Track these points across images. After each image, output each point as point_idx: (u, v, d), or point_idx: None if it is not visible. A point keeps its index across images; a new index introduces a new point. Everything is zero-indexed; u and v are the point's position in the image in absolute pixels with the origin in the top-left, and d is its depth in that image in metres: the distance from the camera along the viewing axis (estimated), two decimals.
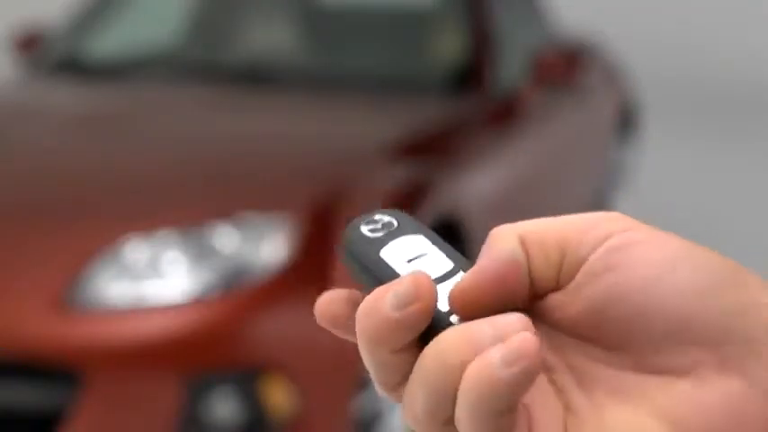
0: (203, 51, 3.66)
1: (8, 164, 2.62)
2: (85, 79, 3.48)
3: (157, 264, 2.30)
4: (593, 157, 4.50)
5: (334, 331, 0.40)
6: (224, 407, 2.27)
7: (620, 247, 0.35)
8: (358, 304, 0.39)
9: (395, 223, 0.39)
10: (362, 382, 2.44)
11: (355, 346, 2.39)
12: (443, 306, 0.36)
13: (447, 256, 0.38)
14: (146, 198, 2.43)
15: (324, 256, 2.37)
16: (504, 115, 3.43)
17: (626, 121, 5.21)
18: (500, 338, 0.33)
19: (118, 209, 2.40)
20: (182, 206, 2.41)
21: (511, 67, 3.73)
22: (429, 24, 3.61)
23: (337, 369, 2.34)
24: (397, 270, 0.38)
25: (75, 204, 2.41)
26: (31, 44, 3.89)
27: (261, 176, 2.54)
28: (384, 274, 0.37)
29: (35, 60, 3.78)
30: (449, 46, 3.55)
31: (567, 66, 3.72)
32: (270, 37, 3.70)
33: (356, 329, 0.36)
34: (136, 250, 2.31)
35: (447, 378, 0.34)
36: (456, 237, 2.84)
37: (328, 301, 0.40)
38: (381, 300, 0.35)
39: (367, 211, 2.49)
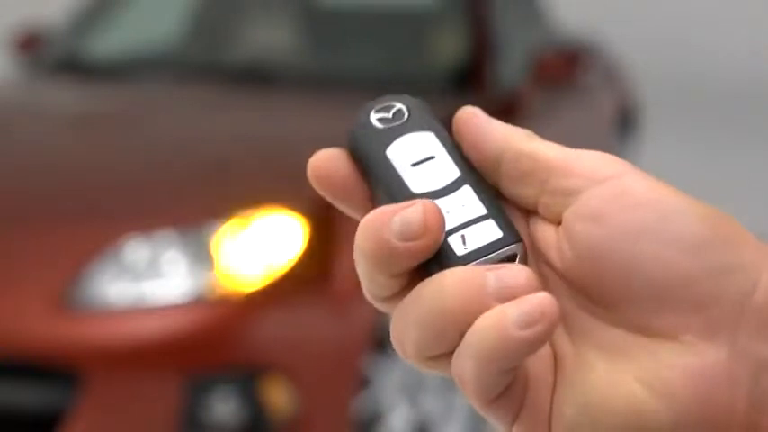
0: (204, 51, 3.66)
1: (8, 164, 2.62)
2: (86, 79, 3.47)
3: (157, 264, 2.30)
4: None
5: (324, 193, 0.38)
6: (224, 407, 2.27)
7: (616, 195, 0.34)
8: (354, 171, 0.38)
9: (405, 114, 0.38)
10: (362, 382, 2.44)
11: (356, 345, 2.39)
12: (450, 223, 0.36)
13: (454, 162, 0.37)
14: (146, 198, 2.43)
15: (324, 256, 2.37)
16: (505, 115, 3.43)
17: (626, 121, 5.21)
18: (503, 292, 0.33)
19: (118, 209, 2.39)
20: (182, 206, 2.41)
21: (511, 67, 3.73)
22: (429, 24, 3.61)
23: (337, 369, 2.34)
24: (402, 176, 0.37)
25: (76, 204, 2.41)
26: (31, 44, 3.89)
27: (261, 176, 2.54)
28: (388, 176, 0.37)
29: (35, 60, 3.78)
30: (449, 46, 3.54)
31: (568, 66, 3.72)
32: (270, 37, 3.70)
33: (355, 244, 0.35)
34: (136, 250, 2.31)
35: (443, 320, 0.33)
36: None
37: (324, 160, 0.37)
38: (386, 225, 0.34)
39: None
